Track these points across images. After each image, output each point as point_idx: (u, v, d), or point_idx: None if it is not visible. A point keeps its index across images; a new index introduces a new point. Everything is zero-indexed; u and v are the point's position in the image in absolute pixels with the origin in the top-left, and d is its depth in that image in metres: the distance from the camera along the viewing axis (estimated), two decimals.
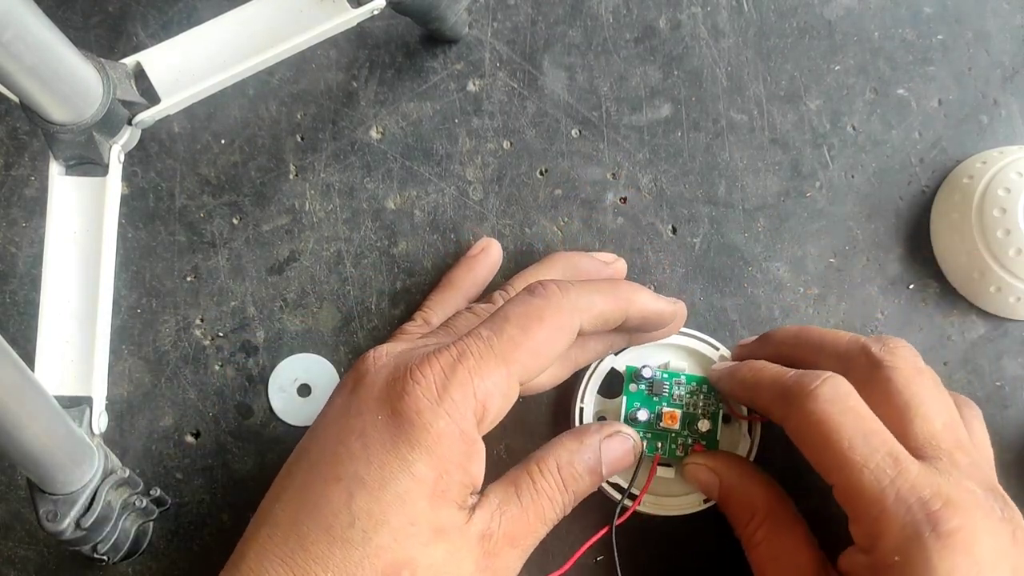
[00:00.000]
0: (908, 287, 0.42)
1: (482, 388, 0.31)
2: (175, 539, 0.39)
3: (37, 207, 0.42)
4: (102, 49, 0.43)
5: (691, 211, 0.42)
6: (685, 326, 0.39)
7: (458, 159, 0.43)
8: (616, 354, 0.39)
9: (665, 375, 0.39)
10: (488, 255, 0.41)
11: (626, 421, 0.38)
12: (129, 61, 0.35)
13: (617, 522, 0.36)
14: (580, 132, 0.43)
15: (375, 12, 0.36)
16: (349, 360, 0.41)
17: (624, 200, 0.43)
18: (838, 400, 0.32)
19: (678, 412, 0.38)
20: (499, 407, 0.32)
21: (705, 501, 0.38)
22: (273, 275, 0.42)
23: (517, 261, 0.42)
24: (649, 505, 0.38)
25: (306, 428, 0.40)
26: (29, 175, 0.42)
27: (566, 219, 0.42)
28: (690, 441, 0.38)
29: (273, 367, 0.41)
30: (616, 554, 0.36)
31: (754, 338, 0.40)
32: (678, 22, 0.44)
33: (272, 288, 0.42)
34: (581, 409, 0.39)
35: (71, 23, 0.43)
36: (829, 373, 0.33)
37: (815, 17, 0.44)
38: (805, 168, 0.43)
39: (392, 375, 0.31)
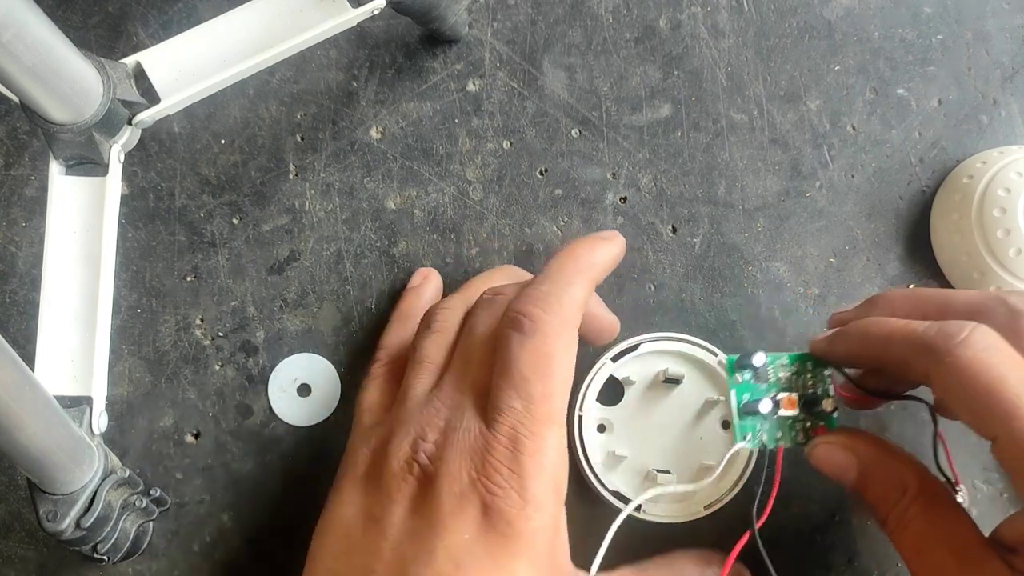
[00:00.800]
0: (908, 287, 0.42)
1: (550, 463, 0.30)
2: (175, 539, 0.39)
3: (37, 207, 0.42)
4: (102, 49, 0.43)
5: (691, 211, 0.42)
6: (684, 332, 0.39)
7: (458, 159, 0.43)
8: (614, 360, 0.39)
9: (768, 358, 0.36)
10: (430, 283, 0.41)
11: (741, 415, 0.35)
12: (129, 61, 0.35)
13: (758, 525, 0.34)
14: (580, 132, 0.43)
15: (375, 12, 0.36)
16: (349, 360, 0.41)
17: (624, 200, 0.43)
18: (995, 347, 0.29)
19: (795, 396, 0.35)
20: (566, 462, 0.31)
21: (707, 507, 0.37)
22: (273, 275, 0.42)
23: (517, 261, 0.42)
24: (649, 512, 0.38)
25: (306, 428, 0.40)
26: (29, 175, 0.42)
27: (566, 219, 0.42)
28: (808, 425, 0.35)
29: (273, 367, 0.41)
30: (765, 555, 0.34)
31: (854, 305, 0.37)
32: (678, 22, 0.44)
33: (272, 288, 0.42)
34: (580, 417, 0.39)
35: (71, 23, 0.43)
36: (974, 322, 0.30)
37: (815, 17, 0.44)
38: (805, 168, 0.43)
39: (458, 488, 0.30)
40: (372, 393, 0.37)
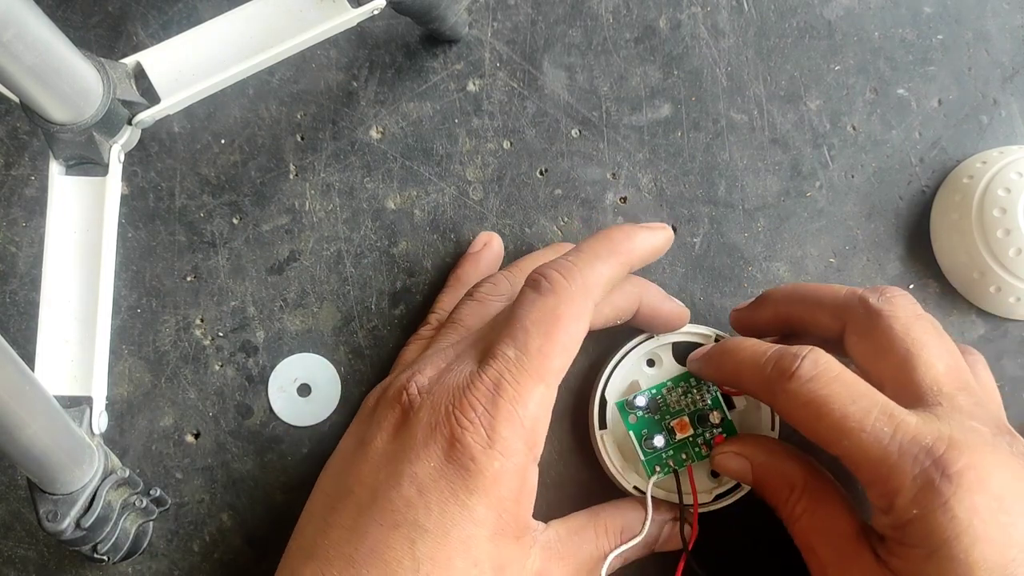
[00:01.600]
0: (908, 287, 0.42)
1: (528, 415, 0.31)
2: (175, 539, 0.39)
3: (37, 207, 0.42)
4: (102, 49, 0.43)
5: (691, 211, 0.42)
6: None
7: (458, 159, 0.43)
8: (604, 385, 0.39)
9: (653, 390, 0.38)
10: (491, 249, 0.41)
11: (643, 451, 0.38)
12: (129, 61, 0.35)
13: (690, 546, 0.37)
14: (580, 132, 0.43)
15: (375, 12, 0.36)
16: (349, 360, 0.41)
17: (624, 200, 0.43)
18: (821, 374, 0.32)
19: (685, 418, 0.38)
20: (545, 419, 0.32)
21: (717, 498, 0.38)
22: (273, 275, 0.42)
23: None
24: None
25: (306, 428, 0.40)
26: (29, 175, 0.42)
27: (566, 219, 0.42)
28: (708, 436, 0.38)
29: (273, 367, 0.41)
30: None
31: (750, 301, 0.39)
32: (678, 22, 0.44)
33: (272, 288, 0.42)
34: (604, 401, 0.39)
35: (71, 23, 0.43)
36: (807, 349, 0.32)
37: (815, 17, 0.44)
38: (805, 168, 0.43)
39: (434, 419, 0.31)
40: (411, 351, 0.39)
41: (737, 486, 0.38)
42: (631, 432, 0.38)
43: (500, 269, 0.40)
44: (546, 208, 0.42)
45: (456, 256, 0.42)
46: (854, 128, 0.43)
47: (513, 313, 0.33)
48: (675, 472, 0.38)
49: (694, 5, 0.44)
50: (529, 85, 0.43)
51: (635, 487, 0.38)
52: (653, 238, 0.36)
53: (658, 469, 0.38)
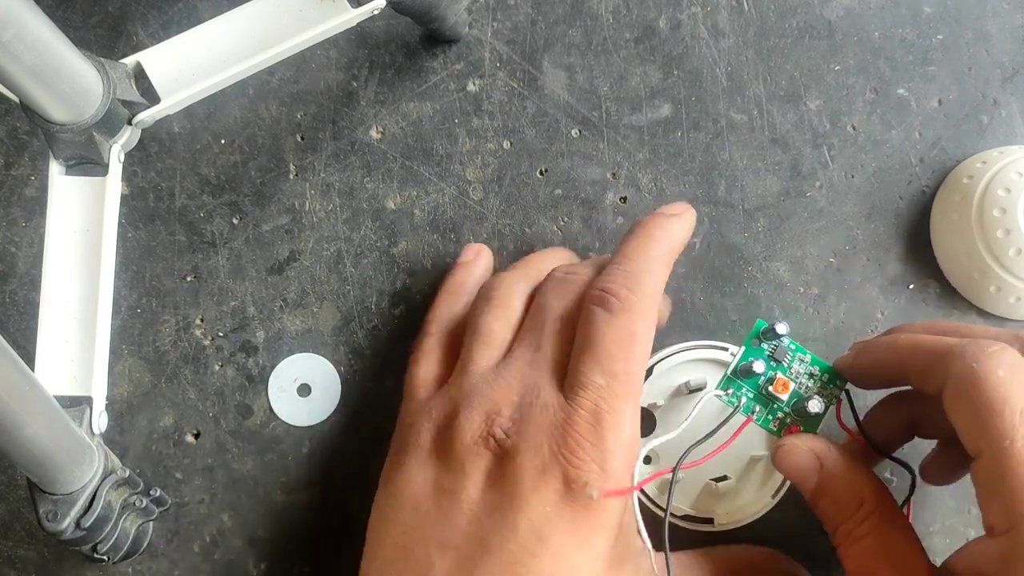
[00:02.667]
0: (908, 287, 0.42)
1: (627, 439, 0.31)
2: (175, 539, 0.39)
3: (37, 207, 0.42)
4: (102, 49, 0.43)
5: None
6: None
7: (458, 159, 0.43)
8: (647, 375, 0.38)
9: (793, 345, 0.35)
10: (482, 257, 0.40)
11: (735, 371, 0.35)
12: (129, 61, 0.35)
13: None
14: (580, 132, 0.43)
15: (375, 12, 0.36)
16: (349, 360, 0.41)
17: (624, 200, 0.43)
18: (1016, 368, 0.30)
19: (792, 384, 0.35)
20: (639, 438, 0.32)
21: (773, 497, 0.37)
22: (273, 275, 0.42)
23: (517, 261, 0.42)
24: (720, 523, 0.38)
25: (306, 428, 0.40)
26: (29, 175, 0.42)
27: (566, 219, 0.42)
28: (789, 421, 0.35)
29: (273, 367, 0.41)
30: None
31: (880, 334, 0.37)
32: (678, 22, 0.44)
33: (272, 288, 0.41)
34: None
35: (71, 23, 0.43)
36: (1004, 343, 0.30)
37: (815, 17, 0.44)
38: (805, 168, 0.43)
39: (539, 461, 0.30)
40: (426, 367, 0.37)
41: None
42: (743, 347, 0.35)
43: (505, 269, 0.39)
44: (546, 208, 0.42)
45: (456, 256, 0.42)
46: (854, 128, 0.43)
47: (589, 336, 0.32)
48: (730, 415, 0.35)
49: (694, 5, 0.44)
50: (529, 85, 0.43)
51: (684, 515, 0.37)
52: (685, 225, 0.36)
53: (730, 392, 0.35)
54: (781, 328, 0.35)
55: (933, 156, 0.43)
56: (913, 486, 0.35)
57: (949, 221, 0.41)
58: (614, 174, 0.43)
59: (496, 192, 0.42)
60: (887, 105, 0.43)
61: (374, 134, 0.43)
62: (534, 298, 0.36)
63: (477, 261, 0.40)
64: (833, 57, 0.44)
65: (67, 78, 0.31)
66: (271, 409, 0.41)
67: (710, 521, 0.38)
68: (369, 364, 0.41)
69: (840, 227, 0.42)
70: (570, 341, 0.33)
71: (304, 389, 0.41)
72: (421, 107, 0.43)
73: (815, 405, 0.34)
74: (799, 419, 0.35)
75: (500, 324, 0.35)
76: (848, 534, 0.32)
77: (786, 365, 0.35)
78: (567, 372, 0.32)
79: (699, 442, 0.34)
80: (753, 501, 0.38)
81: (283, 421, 0.40)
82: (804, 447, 0.33)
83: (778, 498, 0.38)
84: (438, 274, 0.41)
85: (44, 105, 0.32)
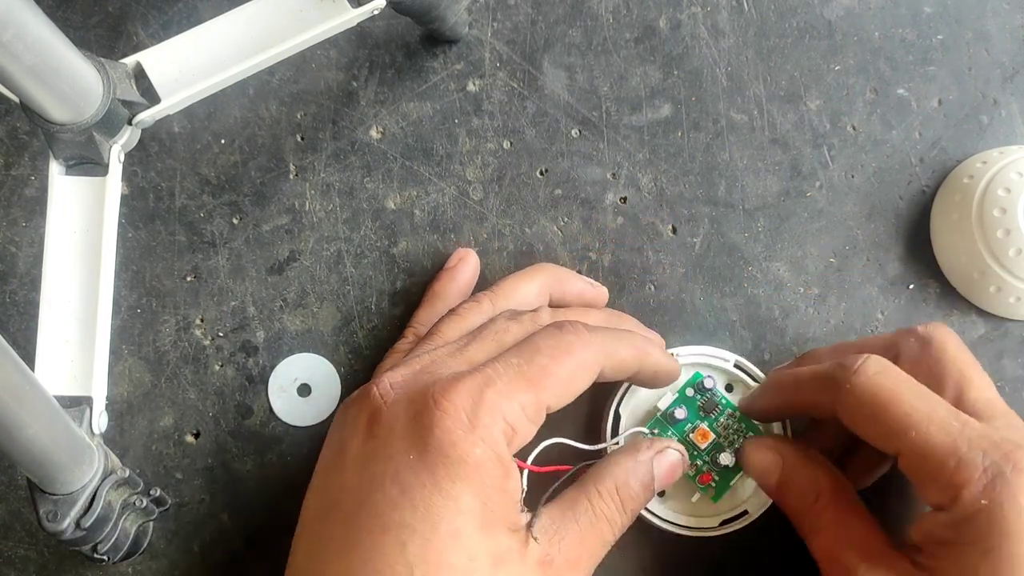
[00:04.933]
0: (908, 287, 0.42)
1: (511, 411, 0.31)
2: (175, 539, 0.39)
3: (37, 207, 0.42)
4: (102, 49, 0.43)
5: (691, 211, 0.42)
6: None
7: (458, 159, 0.43)
8: (620, 399, 0.39)
9: (724, 401, 0.38)
10: (467, 264, 0.41)
11: (662, 417, 0.38)
12: (129, 61, 0.35)
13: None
14: (580, 132, 0.43)
15: (375, 12, 0.36)
16: (349, 360, 0.41)
17: (624, 200, 0.43)
18: (886, 371, 0.32)
19: (712, 435, 0.38)
20: (527, 430, 0.32)
21: (722, 524, 0.38)
22: (273, 275, 0.42)
23: (517, 261, 0.42)
24: (663, 517, 0.38)
25: (306, 428, 0.40)
26: (29, 175, 0.42)
27: (566, 219, 0.42)
28: (704, 469, 0.38)
29: (273, 367, 0.41)
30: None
31: (789, 363, 0.40)
32: (678, 22, 0.44)
33: (272, 288, 0.41)
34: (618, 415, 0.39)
35: (71, 23, 0.43)
36: (867, 354, 0.33)
37: (815, 17, 0.44)
38: (805, 168, 0.43)
39: (413, 409, 0.31)
40: (388, 364, 0.38)
41: (742, 514, 0.38)
42: (675, 394, 0.38)
43: (483, 291, 0.39)
44: (546, 208, 0.42)
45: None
46: (854, 128, 0.43)
47: (528, 338, 0.33)
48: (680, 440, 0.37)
49: (694, 5, 0.44)
50: (529, 85, 0.43)
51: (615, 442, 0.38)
52: (671, 365, 0.37)
53: (655, 432, 0.38)
54: (708, 383, 0.38)
55: (933, 156, 0.43)
56: None
57: (949, 221, 0.41)
58: (614, 174, 0.43)
59: (496, 192, 0.42)
60: (887, 105, 0.43)
61: (374, 134, 0.43)
62: None
63: (461, 267, 0.41)
64: (833, 57, 0.44)
65: (67, 78, 0.31)
66: (271, 409, 0.41)
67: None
68: (369, 364, 0.41)
69: (840, 227, 0.42)
70: (499, 351, 0.33)
71: (304, 389, 0.41)
72: (421, 107, 0.43)
73: (725, 458, 0.37)
74: (713, 468, 0.38)
75: (452, 331, 0.36)
76: (811, 525, 0.34)
77: (714, 417, 0.38)
78: None
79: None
80: (698, 519, 0.38)
81: (283, 421, 0.40)
82: (764, 444, 0.36)
83: (725, 529, 0.38)
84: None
85: (44, 105, 0.32)
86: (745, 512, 0.38)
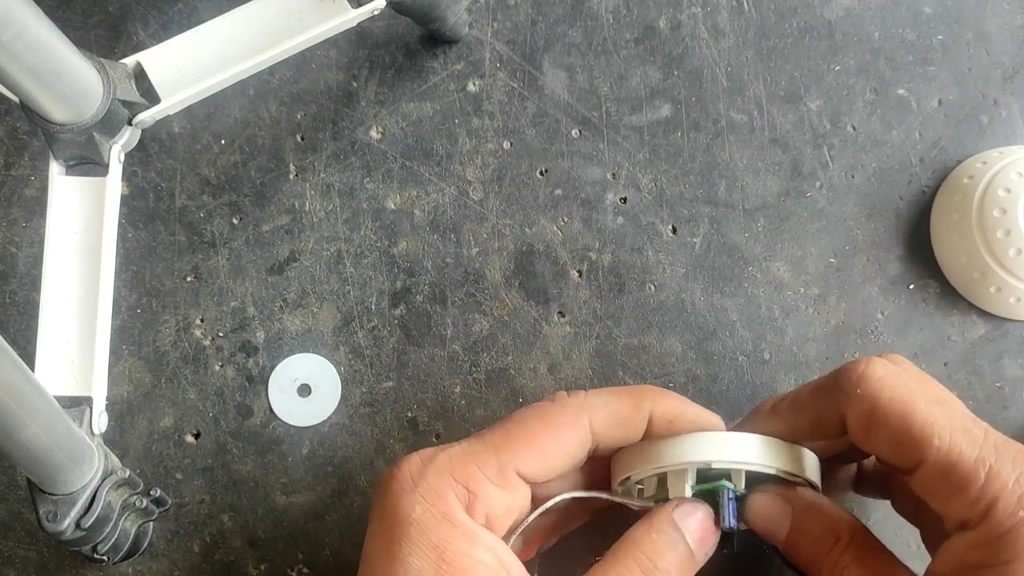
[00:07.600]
0: (908, 287, 0.42)
1: (464, 472, 0.30)
2: (175, 539, 0.39)
3: (37, 207, 0.42)
4: (102, 49, 0.43)
5: (691, 211, 0.42)
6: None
7: (458, 159, 0.43)
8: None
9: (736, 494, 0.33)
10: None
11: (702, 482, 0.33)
12: (129, 61, 0.35)
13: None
14: (580, 132, 0.43)
15: (375, 12, 0.36)
16: (349, 360, 0.41)
17: (624, 200, 0.43)
18: (895, 372, 0.30)
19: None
20: (490, 494, 0.31)
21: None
22: (273, 275, 0.42)
23: (517, 261, 0.42)
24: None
25: (306, 428, 0.40)
26: (29, 175, 0.42)
27: (566, 219, 0.42)
28: None
29: (273, 367, 0.41)
30: None
31: (737, 422, 0.36)
32: (678, 22, 0.44)
33: (272, 288, 0.41)
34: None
35: (71, 23, 0.43)
36: (867, 356, 0.31)
37: (815, 17, 0.44)
38: (805, 168, 0.43)
39: (380, 489, 0.31)
40: None
41: None
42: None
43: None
44: (546, 208, 0.42)
45: (456, 256, 0.42)
46: (854, 128, 0.43)
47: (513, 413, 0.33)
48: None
49: (694, 5, 0.44)
50: (529, 85, 0.43)
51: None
52: (692, 410, 0.33)
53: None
54: (727, 495, 0.33)
55: (933, 156, 0.43)
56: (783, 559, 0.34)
57: (949, 221, 0.41)
58: (614, 174, 0.43)
59: (496, 192, 0.42)
60: (887, 105, 0.43)
61: (374, 134, 0.43)
62: None
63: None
64: (833, 57, 0.44)
65: (67, 78, 0.31)
66: (271, 409, 0.40)
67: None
68: (369, 364, 0.41)
69: (840, 227, 0.42)
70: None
71: (304, 389, 0.41)
72: (421, 107, 0.43)
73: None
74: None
75: None
76: (833, 567, 0.31)
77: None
78: None
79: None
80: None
81: (283, 421, 0.40)
82: (774, 493, 0.33)
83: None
84: (438, 274, 0.41)
85: (44, 105, 0.32)
86: None
